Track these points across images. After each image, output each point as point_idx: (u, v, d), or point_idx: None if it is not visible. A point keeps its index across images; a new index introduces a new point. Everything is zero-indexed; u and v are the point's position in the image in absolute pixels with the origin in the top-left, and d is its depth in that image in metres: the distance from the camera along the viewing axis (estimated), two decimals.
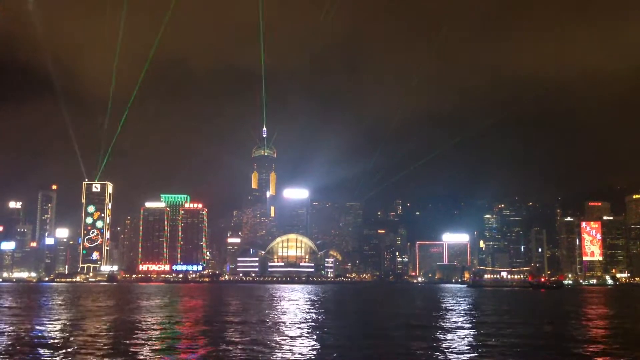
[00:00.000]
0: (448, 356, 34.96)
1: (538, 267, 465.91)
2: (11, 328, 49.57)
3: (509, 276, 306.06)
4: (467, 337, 44.47)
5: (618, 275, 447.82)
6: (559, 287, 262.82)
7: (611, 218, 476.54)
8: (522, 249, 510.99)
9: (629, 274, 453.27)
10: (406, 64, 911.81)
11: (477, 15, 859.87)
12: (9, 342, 39.81)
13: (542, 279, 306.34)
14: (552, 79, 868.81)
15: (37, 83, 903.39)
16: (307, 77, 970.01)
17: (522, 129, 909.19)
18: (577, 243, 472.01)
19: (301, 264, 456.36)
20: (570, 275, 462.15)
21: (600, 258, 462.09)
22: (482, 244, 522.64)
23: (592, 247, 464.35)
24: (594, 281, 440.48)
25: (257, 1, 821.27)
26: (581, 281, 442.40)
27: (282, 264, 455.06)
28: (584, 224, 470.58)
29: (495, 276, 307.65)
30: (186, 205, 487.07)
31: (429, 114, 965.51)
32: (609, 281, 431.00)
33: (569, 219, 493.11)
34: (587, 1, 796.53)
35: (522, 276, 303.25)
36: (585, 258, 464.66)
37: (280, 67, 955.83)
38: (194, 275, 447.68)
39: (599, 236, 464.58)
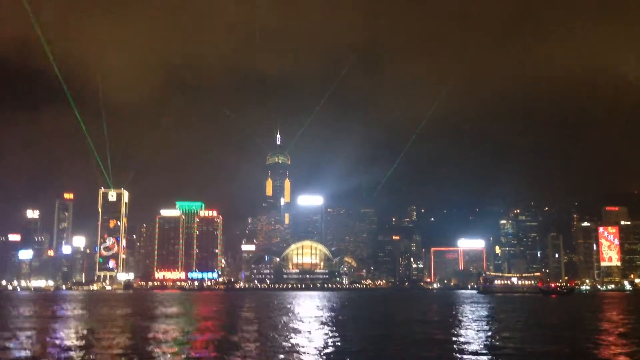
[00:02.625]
0: None
1: (548, 272, 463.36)
2: (32, 338, 50.31)
3: (519, 282, 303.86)
4: None
5: (636, 281, 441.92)
6: (569, 293, 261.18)
7: (629, 223, 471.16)
8: (539, 255, 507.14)
9: None
10: (424, 69, 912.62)
11: (499, 19, 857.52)
12: (33, 352, 40.47)
13: (553, 285, 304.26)
14: (571, 82, 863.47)
15: (52, 90, 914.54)
16: (322, 81, 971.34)
17: (537, 134, 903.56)
18: (595, 248, 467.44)
19: (316, 271, 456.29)
20: (587, 281, 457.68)
21: (619, 263, 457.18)
22: (497, 249, 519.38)
23: (609, 252, 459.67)
24: (612, 287, 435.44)
25: (274, 4, 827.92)
26: (599, 287, 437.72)
27: (297, 270, 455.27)
28: (601, 229, 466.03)
29: (505, 282, 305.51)
30: (201, 213, 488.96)
31: (447, 120, 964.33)
32: (628, 287, 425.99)
33: (585, 224, 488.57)
34: (612, 3, 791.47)
35: (533, 282, 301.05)
36: (602, 263, 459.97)
37: (296, 72, 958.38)
38: (209, 283, 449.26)
39: (616, 241, 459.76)
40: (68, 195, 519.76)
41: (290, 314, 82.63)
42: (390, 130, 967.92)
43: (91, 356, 37.52)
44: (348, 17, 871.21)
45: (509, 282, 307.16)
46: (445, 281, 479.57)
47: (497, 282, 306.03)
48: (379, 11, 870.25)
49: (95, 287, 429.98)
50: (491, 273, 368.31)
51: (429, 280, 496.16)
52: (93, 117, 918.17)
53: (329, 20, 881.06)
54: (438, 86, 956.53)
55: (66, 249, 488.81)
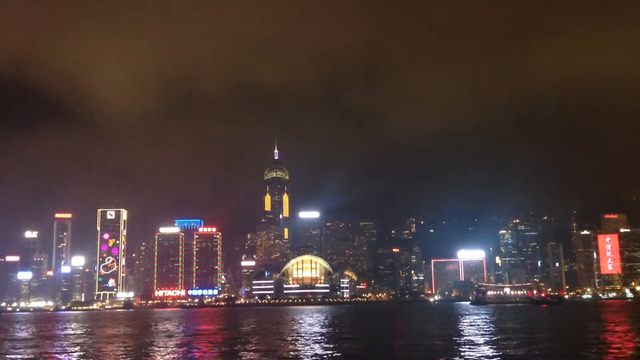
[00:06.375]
0: None
1: (549, 282, 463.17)
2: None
3: (512, 292, 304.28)
4: None
5: (638, 289, 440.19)
6: (559, 302, 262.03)
7: (628, 230, 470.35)
8: (539, 264, 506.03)
9: None
10: (424, 80, 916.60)
11: (500, 28, 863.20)
12: None
13: (543, 295, 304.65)
14: (570, 91, 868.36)
15: (49, 108, 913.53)
16: (321, 95, 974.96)
17: (536, 143, 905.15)
18: (595, 256, 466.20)
19: (316, 285, 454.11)
20: (589, 290, 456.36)
21: (619, 271, 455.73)
22: (498, 260, 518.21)
23: (609, 260, 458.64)
24: (613, 295, 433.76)
25: (272, 16, 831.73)
26: (600, 295, 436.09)
27: (298, 285, 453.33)
28: (600, 237, 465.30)
29: (498, 292, 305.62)
30: (200, 230, 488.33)
31: (445, 131, 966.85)
32: (629, 294, 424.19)
33: (585, 232, 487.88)
34: (609, 12, 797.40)
35: (525, 292, 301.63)
36: (603, 272, 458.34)
37: (294, 84, 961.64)
38: (209, 300, 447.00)
39: (616, 249, 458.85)
40: (66, 215, 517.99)
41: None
42: (389, 142, 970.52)
43: None
44: (348, 29, 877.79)
45: (501, 292, 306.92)
46: (447, 293, 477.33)
47: (490, 292, 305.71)
48: (379, 22, 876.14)
49: (95, 306, 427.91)
50: (484, 284, 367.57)
51: (429, 292, 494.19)
52: (91, 135, 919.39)
53: (328, 32, 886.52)
54: (438, 97, 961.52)
55: (65, 269, 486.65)
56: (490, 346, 53.22)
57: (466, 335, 65.93)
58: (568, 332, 75.11)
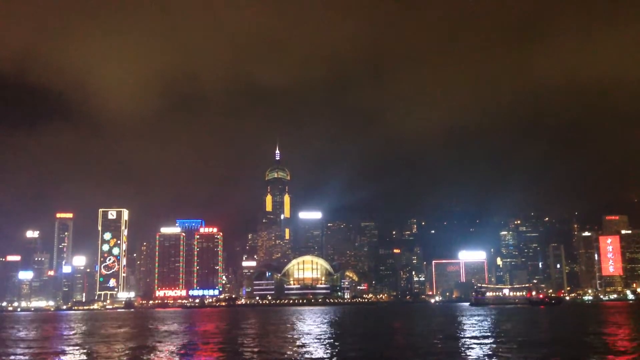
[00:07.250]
0: None
1: (550, 283, 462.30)
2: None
3: (511, 293, 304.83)
4: None
5: (639, 290, 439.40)
6: (558, 303, 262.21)
7: (629, 232, 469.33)
8: (540, 266, 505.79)
9: None
10: (427, 80, 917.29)
11: (499, 28, 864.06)
12: None
13: (541, 296, 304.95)
14: (571, 93, 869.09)
15: (50, 107, 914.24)
16: (323, 95, 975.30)
17: (537, 144, 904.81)
18: (596, 258, 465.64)
19: (317, 286, 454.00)
20: (590, 291, 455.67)
21: (620, 273, 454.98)
22: (499, 261, 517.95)
23: (611, 261, 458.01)
24: (614, 296, 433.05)
25: (274, 15, 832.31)
26: (601, 296, 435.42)
27: (298, 286, 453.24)
28: (601, 239, 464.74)
29: (497, 294, 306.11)
30: (201, 230, 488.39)
31: (447, 132, 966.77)
32: (630, 296, 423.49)
33: (586, 233, 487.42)
34: (611, 12, 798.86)
35: (524, 293, 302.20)
36: (604, 273, 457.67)
37: (296, 84, 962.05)
38: (210, 300, 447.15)
39: (617, 250, 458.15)
40: (67, 215, 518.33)
41: None
42: (390, 142, 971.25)
43: None
44: (349, 28, 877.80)
45: (500, 293, 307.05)
46: (447, 294, 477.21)
47: (489, 294, 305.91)
48: (381, 22, 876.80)
49: (96, 306, 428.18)
50: (484, 285, 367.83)
51: (430, 293, 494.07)
52: (92, 134, 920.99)
53: (329, 32, 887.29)
54: (440, 98, 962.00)
55: (66, 269, 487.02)
56: (472, 345, 53.82)
57: (455, 336, 66.11)
58: (561, 333, 75.21)
